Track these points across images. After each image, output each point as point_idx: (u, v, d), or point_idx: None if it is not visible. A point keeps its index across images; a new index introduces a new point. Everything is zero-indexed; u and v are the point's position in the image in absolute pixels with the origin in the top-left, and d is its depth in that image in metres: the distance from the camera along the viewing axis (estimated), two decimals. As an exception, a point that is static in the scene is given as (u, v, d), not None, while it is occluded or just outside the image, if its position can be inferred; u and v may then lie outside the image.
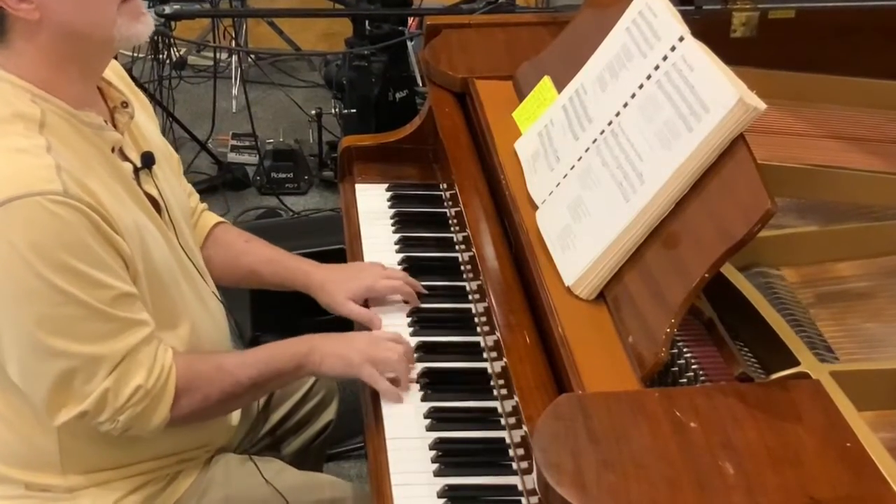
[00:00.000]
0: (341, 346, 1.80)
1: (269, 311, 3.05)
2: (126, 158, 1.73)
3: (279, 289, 2.06)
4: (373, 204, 2.26)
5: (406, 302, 1.97)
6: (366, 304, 1.98)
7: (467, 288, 2.00)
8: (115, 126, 1.73)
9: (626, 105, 1.75)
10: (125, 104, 1.74)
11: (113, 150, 1.69)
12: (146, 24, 1.65)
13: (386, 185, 2.32)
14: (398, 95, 3.86)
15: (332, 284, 1.98)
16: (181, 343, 1.76)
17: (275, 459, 1.96)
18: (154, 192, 1.76)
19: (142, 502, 1.79)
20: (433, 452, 1.68)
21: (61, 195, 1.54)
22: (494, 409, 1.75)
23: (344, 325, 1.99)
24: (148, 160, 1.76)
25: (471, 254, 1.95)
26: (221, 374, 1.74)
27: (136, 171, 1.74)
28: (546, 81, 2.03)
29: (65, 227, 1.54)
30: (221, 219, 2.09)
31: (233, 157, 4.25)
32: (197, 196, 2.05)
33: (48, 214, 1.53)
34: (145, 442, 1.74)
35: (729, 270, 1.63)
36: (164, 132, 2.72)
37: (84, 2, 1.60)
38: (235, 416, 1.94)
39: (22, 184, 1.53)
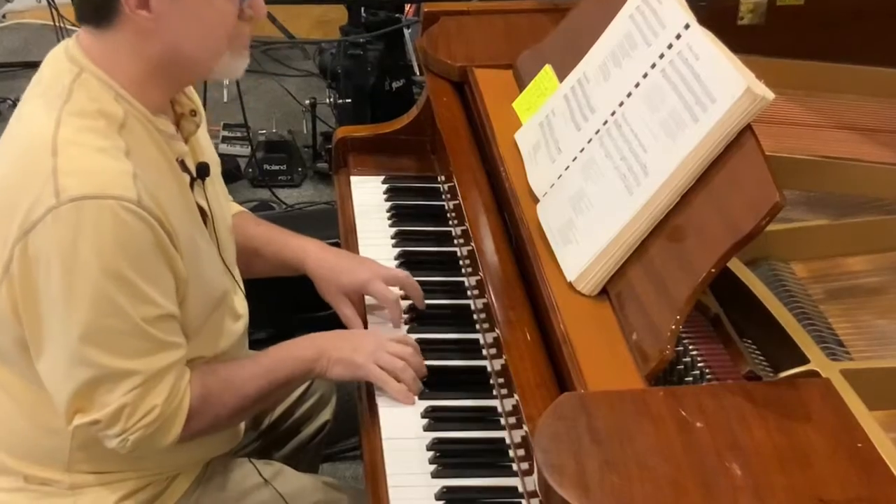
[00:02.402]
0: (348, 350, 1.80)
1: (261, 308, 3.04)
2: (185, 169, 1.72)
3: (279, 271, 2.06)
4: (368, 197, 2.26)
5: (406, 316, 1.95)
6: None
7: (466, 283, 2.00)
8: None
9: (629, 95, 1.75)
10: (193, 112, 1.74)
11: (177, 159, 1.69)
12: (245, 60, 1.67)
13: (382, 178, 2.32)
14: (395, 85, 3.85)
15: (325, 270, 1.98)
16: (206, 353, 1.77)
17: (272, 461, 1.97)
18: (204, 205, 1.75)
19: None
20: (431, 453, 1.68)
21: (135, 203, 1.54)
22: (494, 409, 1.75)
23: (339, 322, 1.99)
24: (203, 171, 1.75)
25: (469, 248, 1.95)
26: (231, 390, 1.75)
27: (192, 181, 1.74)
28: (547, 70, 2.03)
29: (131, 236, 1.55)
30: (242, 208, 2.10)
31: (224, 148, 4.24)
32: (229, 196, 2.05)
33: (118, 221, 1.53)
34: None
35: (736, 265, 1.63)
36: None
37: (203, 30, 1.60)
38: (242, 426, 1.94)
39: (99, 184, 1.53)
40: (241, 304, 1.88)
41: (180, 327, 1.67)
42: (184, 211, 1.67)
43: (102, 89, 1.61)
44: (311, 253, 2.01)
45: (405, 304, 1.96)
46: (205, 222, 1.76)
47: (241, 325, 1.88)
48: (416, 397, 1.77)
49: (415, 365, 1.79)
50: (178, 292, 1.66)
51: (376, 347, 1.80)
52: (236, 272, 1.89)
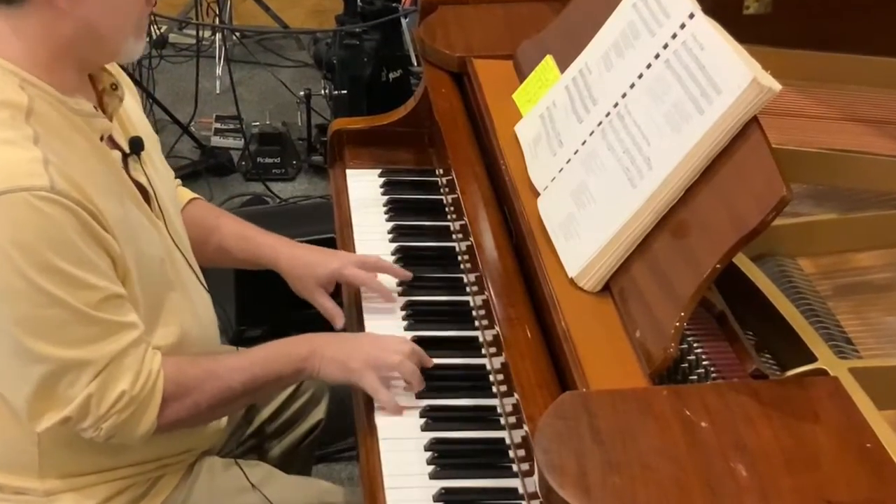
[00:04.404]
0: (342, 351, 1.80)
1: (254, 305, 3.05)
2: (115, 146, 1.72)
3: (249, 267, 2.08)
4: (365, 191, 2.26)
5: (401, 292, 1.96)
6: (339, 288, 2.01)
7: (465, 279, 2.00)
8: (103, 110, 1.72)
9: (632, 86, 1.74)
10: (114, 86, 1.74)
11: (101, 137, 1.69)
12: (142, 43, 1.69)
13: (378, 171, 2.31)
14: (392, 76, 3.85)
15: (299, 268, 2.00)
16: (169, 340, 1.76)
17: (261, 463, 1.96)
18: (142, 180, 1.75)
19: (121, 508, 1.79)
20: (429, 454, 1.68)
21: (48, 191, 1.54)
22: (494, 408, 1.75)
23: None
24: (136, 146, 1.75)
25: (468, 243, 1.95)
26: (213, 379, 1.74)
27: (125, 157, 1.74)
28: (548, 61, 2.03)
29: (51, 224, 1.54)
30: (195, 195, 2.09)
31: (217, 140, 4.25)
32: (172, 173, 2.05)
33: (34, 211, 1.53)
34: (129, 447, 1.74)
35: (742, 261, 1.63)
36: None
37: (117, 11, 1.61)
38: (223, 419, 1.93)
39: (7, 178, 1.53)
40: (196, 287, 1.86)
41: (131, 307, 1.66)
42: (113, 189, 1.66)
43: (5, 78, 1.60)
44: (282, 252, 2.02)
45: (402, 301, 1.96)
46: (147, 199, 1.75)
47: (201, 310, 1.86)
48: (403, 408, 1.76)
49: (410, 375, 1.78)
50: (118, 272, 1.65)
51: (373, 348, 1.79)
52: (186, 244, 1.87)
